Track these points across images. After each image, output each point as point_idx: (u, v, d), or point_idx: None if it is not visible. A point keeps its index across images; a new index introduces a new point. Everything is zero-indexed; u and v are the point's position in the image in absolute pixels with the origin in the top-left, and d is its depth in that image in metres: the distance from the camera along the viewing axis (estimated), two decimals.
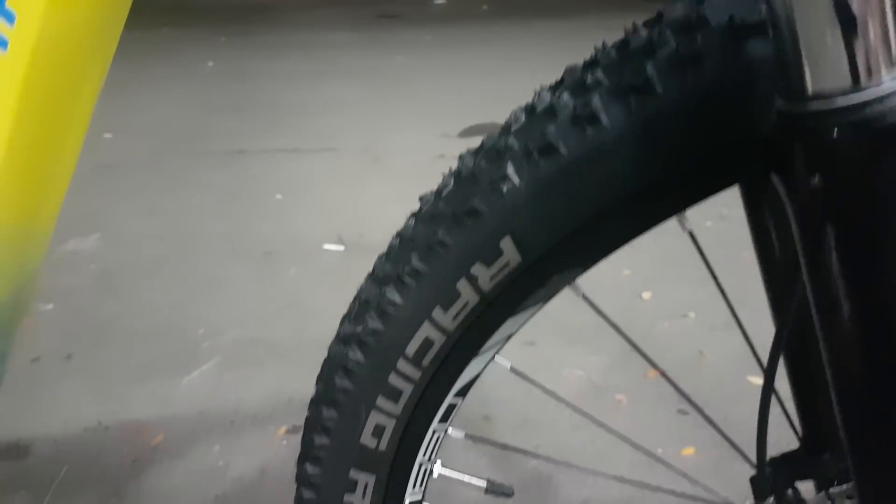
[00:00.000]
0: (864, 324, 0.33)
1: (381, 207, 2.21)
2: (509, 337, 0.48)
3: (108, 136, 2.92)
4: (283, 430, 1.32)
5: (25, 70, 0.41)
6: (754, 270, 0.52)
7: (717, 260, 0.52)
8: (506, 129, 0.42)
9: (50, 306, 1.73)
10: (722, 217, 1.96)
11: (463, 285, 0.43)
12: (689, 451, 1.25)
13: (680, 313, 1.66)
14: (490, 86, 3.58)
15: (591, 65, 0.39)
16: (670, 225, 0.42)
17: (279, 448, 1.28)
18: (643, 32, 0.38)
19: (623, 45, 0.39)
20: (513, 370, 0.52)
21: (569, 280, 0.44)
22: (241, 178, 2.57)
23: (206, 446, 1.28)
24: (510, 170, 0.39)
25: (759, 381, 0.59)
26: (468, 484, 0.57)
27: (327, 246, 2.03)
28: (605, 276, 1.82)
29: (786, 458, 0.56)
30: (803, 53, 0.31)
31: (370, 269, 0.49)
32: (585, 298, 0.48)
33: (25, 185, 0.45)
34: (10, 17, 0.38)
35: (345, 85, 3.78)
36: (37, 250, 0.50)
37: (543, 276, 0.43)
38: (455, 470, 0.55)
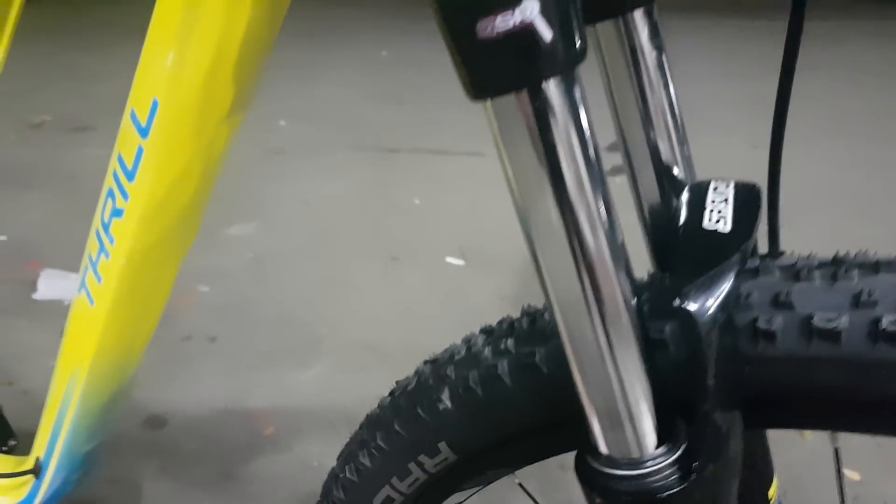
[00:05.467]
0: None
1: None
2: None
3: (282, 122, 3.23)
4: None
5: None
6: None
7: None
8: (450, 356, 0.53)
9: (206, 288, 2.02)
10: None
11: (413, 467, 0.55)
12: None
13: None
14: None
15: (505, 334, 0.50)
16: None
17: None
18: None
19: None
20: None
21: (504, 474, 0.55)
22: (389, 176, 2.77)
23: (307, 444, 1.49)
24: (445, 395, 0.51)
25: None
26: None
27: (449, 259, 2.18)
28: None
29: None
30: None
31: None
32: (521, 487, 0.59)
33: (125, 326, 0.62)
34: (99, 279, 0.55)
35: None
36: (131, 367, 0.68)
37: (478, 471, 0.54)
38: None
